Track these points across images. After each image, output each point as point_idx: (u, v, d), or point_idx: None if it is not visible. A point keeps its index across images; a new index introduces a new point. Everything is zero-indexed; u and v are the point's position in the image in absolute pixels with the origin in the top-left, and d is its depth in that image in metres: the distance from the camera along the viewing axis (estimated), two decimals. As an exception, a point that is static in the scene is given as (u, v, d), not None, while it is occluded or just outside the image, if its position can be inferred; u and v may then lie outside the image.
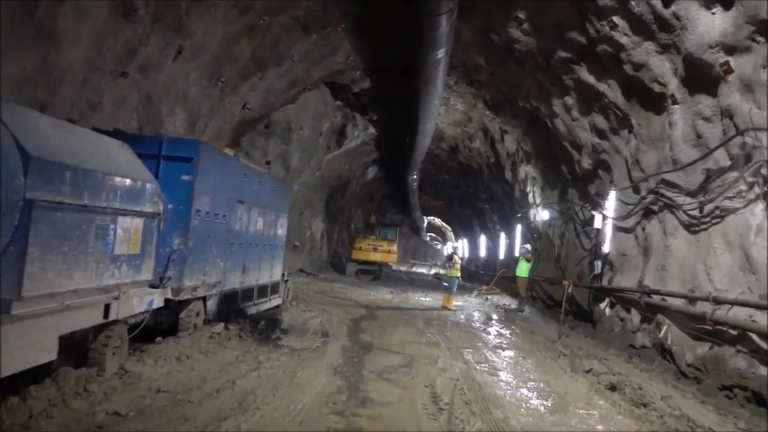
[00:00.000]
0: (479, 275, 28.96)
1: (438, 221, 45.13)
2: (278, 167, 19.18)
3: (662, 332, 7.24)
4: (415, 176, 24.00)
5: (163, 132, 8.66)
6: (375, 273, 25.41)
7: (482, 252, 31.95)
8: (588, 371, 7.01)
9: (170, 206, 6.12)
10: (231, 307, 7.83)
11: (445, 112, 17.90)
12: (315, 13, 10.31)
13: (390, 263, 26.65)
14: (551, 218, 15.98)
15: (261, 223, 8.88)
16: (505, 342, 9.54)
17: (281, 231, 10.38)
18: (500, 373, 6.98)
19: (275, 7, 9.60)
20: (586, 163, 12.01)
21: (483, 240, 31.66)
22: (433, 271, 39.80)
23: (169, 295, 6.14)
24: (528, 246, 15.29)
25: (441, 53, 10.30)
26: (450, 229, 45.84)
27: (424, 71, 11.35)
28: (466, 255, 38.56)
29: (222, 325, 6.96)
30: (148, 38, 7.62)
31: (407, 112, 15.75)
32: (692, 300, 7.58)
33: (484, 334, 10.31)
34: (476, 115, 17.32)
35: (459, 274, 14.66)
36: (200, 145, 6.45)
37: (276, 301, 10.18)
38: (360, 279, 23.93)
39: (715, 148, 7.13)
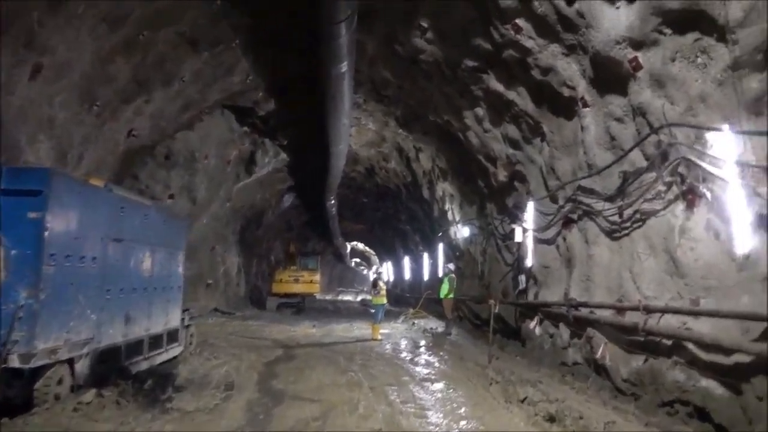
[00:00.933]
0: (405, 298, 28.40)
1: (361, 246, 44.43)
2: (183, 200, 17.76)
3: (599, 351, 6.76)
4: (333, 201, 23.20)
5: (24, 164, 7.35)
6: (297, 306, 24.17)
7: (407, 274, 31.50)
8: (523, 400, 6.39)
9: (13, 252, 4.93)
10: (112, 367, 6.57)
11: (357, 133, 17.32)
12: (203, 28, 9.37)
13: (313, 294, 25.51)
14: (472, 235, 15.65)
15: (149, 263, 7.69)
16: (433, 373, 8.81)
17: (178, 270, 9.18)
18: (429, 412, 6.21)
19: (154, 21, 8.58)
20: (502, 175, 11.71)
21: (407, 262, 31.24)
22: (360, 298, 38.90)
23: (16, 363, 4.91)
24: (451, 265, 14.83)
25: (344, 66, 9.65)
26: (374, 253, 45.27)
27: (329, 87, 10.66)
28: (392, 278, 38.02)
29: (93, 392, 5.71)
30: (-10, 53, 6.40)
31: (317, 134, 15.00)
32: (621, 310, 7.20)
33: (411, 366, 9.55)
34: (389, 134, 16.86)
35: (385, 301, 13.89)
36: (51, 174, 5.30)
37: (175, 350, 8.91)
38: (281, 314, 22.62)
39: (629, 150, 6.84)
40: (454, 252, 18.10)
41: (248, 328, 15.51)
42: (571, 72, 7.67)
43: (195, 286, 20.27)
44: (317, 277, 26.11)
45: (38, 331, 5.06)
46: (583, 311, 8.11)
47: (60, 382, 5.52)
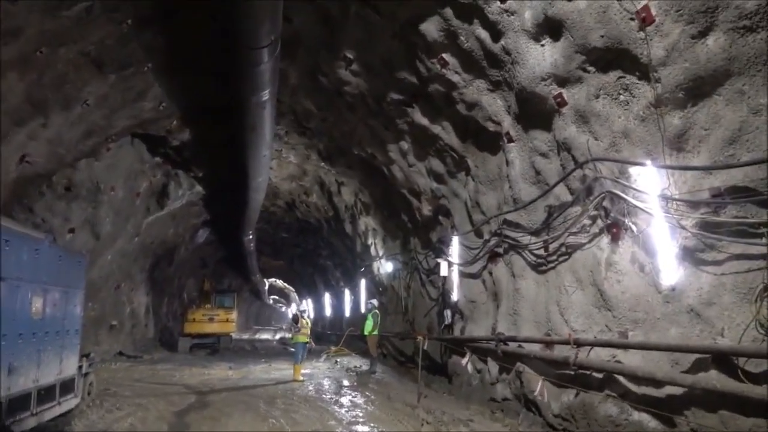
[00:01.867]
0: (326, 335, 27.63)
1: (280, 282, 43.14)
2: (86, 235, 16.33)
3: (537, 387, 6.58)
4: (251, 237, 22.31)
5: None
6: (212, 347, 22.77)
7: (328, 311, 30.77)
8: (457, 443, 6.09)
9: None
10: (-12, 428, 5.60)
11: (278, 165, 16.83)
12: (110, 49, 8.66)
13: (230, 333, 24.14)
14: (395, 270, 15.46)
15: (39, 305, 6.72)
16: (361, 415, 8.33)
17: (75, 311, 8.13)
18: (359, 462, 5.75)
19: (55, 38, 7.82)
20: (426, 209, 11.67)
21: (327, 298, 30.57)
22: (278, 336, 37.46)
23: None
24: (374, 301, 14.50)
25: (266, 94, 9.26)
26: (293, 289, 44.06)
27: (250, 117, 10.19)
28: (312, 315, 37.02)
29: None
30: None
31: (235, 166, 14.36)
32: (551, 344, 7.16)
33: (336, 408, 9.01)
34: (311, 168, 16.50)
35: (308, 339, 13.22)
36: None
37: (71, 402, 7.80)
38: (195, 355, 21.16)
39: (555, 185, 6.92)
40: (377, 287, 17.82)
41: (157, 373, 14.25)
42: (497, 107, 7.75)
43: (97, 328, 18.55)
44: (233, 315, 24.82)
45: None
46: (512, 345, 8.02)
47: None
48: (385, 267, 16.09)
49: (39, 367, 6.73)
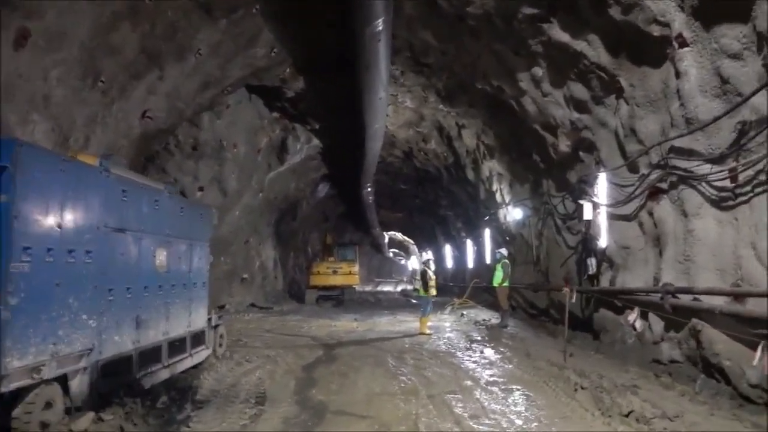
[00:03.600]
0: (448, 287, 27.02)
1: (399, 235, 43.17)
2: (214, 192, 16.87)
3: (757, 357, 5.08)
4: (369, 189, 21.97)
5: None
6: (337, 298, 23.12)
7: (449, 263, 30.10)
8: (628, 414, 5.01)
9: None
10: (121, 381, 5.50)
11: (394, 112, 16.00)
12: (217, -10, 8.21)
13: (353, 286, 24.34)
14: (524, 216, 14.18)
15: (164, 258, 6.60)
16: (499, 374, 7.48)
17: (202, 264, 8.07)
18: (509, 432, 4.91)
19: (162, -18, 7.47)
20: (564, 145, 10.23)
21: (448, 250, 29.86)
22: (399, 288, 37.74)
23: (-20, 388, 3.84)
24: (503, 250, 13.40)
25: (380, 24, 8.34)
26: (412, 242, 43.95)
27: (364, 53, 9.36)
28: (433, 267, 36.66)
29: (91, 415, 4.63)
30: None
31: (351, 115, 13.77)
32: (741, 297, 5.73)
33: (471, 365, 8.24)
34: (428, 111, 15.46)
35: (435, 293, 12.57)
36: (16, 145, 4.17)
37: (202, 354, 7.82)
38: (321, 307, 21.60)
39: (755, 92, 5.32)
40: (504, 236, 16.66)
41: (286, 324, 14.47)
42: (664, 5, 6.17)
43: (230, 281, 19.42)
44: (356, 268, 24.95)
45: (9, 345, 3.97)
46: (684, 299, 6.64)
47: (49, 405, 4.45)
48: (513, 214, 14.85)
49: (168, 320, 6.64)
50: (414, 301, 24.42)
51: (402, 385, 6.89)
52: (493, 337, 11.19)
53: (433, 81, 12.82)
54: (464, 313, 16.29)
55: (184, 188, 15.80)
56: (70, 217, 4.70)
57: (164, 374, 6.45)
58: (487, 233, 19.00)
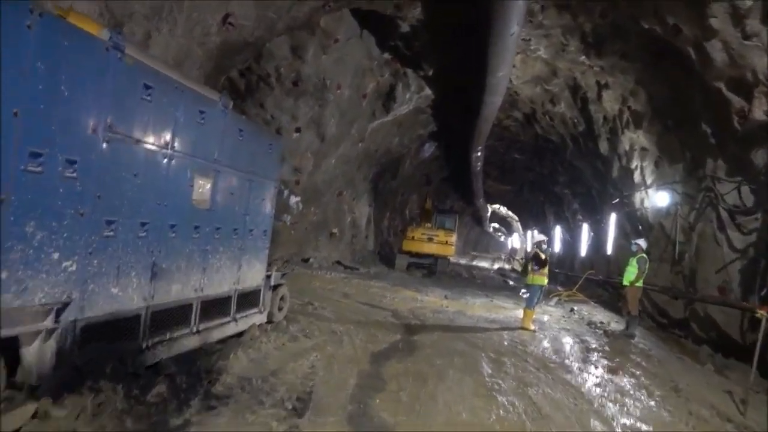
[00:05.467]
0: (553, 274, 24.25)
1: (503, 210, 40.34)
2: (311, 135, 15.59)
3: None
4: (479, 155, 19.75)
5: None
6: (429, 268, 21.41)
7: (557, 247, 27.21)
8: None
9: None
10: (117, 350, 4.02)
11: (522, 63, 13.58)
12: None
13: (447, 256, 22.41)
14: (671, 203, 11.43)
15: (207, 190, 5.03)
16: (640, 416, 5.30)
17: (263, 207, 6.41)
18: None
19: None
20: (760, 111, 7.50)
21: (558, 232, 26.94)
22: (496, 266, 35.29)
23: None
24: (642, 242, 10.79)
25: None
26: (517, 219, 40.94)
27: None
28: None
29: (31, 408, 3.05)
30: None
31: (472, 59, 11.63)
32: None
33: (594, 389, 6.13)
34: (564, 65, 12.87)
35: (546, 281, 10.41)
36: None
37: (251, 319, 6.28)
38: (411, 275, 20.00)
39: None
40: (636, 225, 13.89)
41: (368, 290, 12.96)
42: None
43: (318, 234, 18.27)
44: (453, 238, 22.95)
45: None
46: None
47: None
48: (654, 199, 12.11)
49: (205, 273, 5.13)
50: (512, 283, 22.11)
51: (500, 412, 4.94)
52: (618, 349, 8.86)
53: (581, 20, 10.29)
54: (574, 308, 13.88)
55: (281, 127, 14.61)
56: (40, 106, 3.17)
57: (191, 342, 4.98)
58: (612, 219, 16.20)
